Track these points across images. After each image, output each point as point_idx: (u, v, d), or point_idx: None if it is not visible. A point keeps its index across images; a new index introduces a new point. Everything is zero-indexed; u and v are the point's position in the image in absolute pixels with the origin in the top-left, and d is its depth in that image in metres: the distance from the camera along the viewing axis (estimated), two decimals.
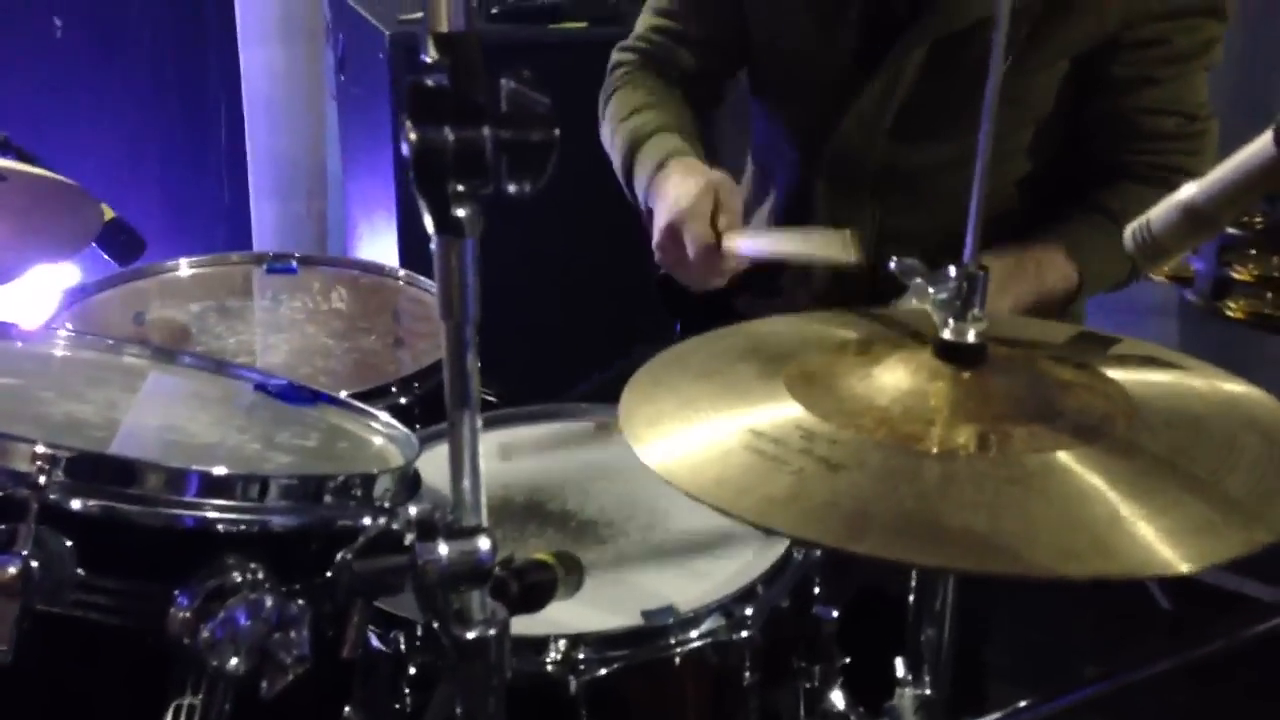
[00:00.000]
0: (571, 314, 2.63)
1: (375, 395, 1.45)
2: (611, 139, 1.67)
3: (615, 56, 1.73)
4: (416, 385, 1.53)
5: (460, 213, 0.69)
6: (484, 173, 0.68)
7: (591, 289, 2.59)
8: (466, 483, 0.74)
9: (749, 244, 1.43)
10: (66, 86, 3.17)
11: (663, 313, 1.84)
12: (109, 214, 1.62)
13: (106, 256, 1.66)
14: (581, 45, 2.38)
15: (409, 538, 0.74)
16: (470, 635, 0.75)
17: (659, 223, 1.47)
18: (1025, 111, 1.50)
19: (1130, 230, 0.93)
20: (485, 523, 0.75)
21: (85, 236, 1.49)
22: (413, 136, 0.67)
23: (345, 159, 3.00)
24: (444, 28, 0.67)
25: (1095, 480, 0.88)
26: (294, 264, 1.86)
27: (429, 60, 0.67)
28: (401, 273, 1.87)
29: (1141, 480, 0.88)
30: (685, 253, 1.43)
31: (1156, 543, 0.82)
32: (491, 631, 0.76)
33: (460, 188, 0.69)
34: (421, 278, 1.83)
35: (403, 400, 1.51)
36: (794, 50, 1.56)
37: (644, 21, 1.73)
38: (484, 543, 0.75)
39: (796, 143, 1.64)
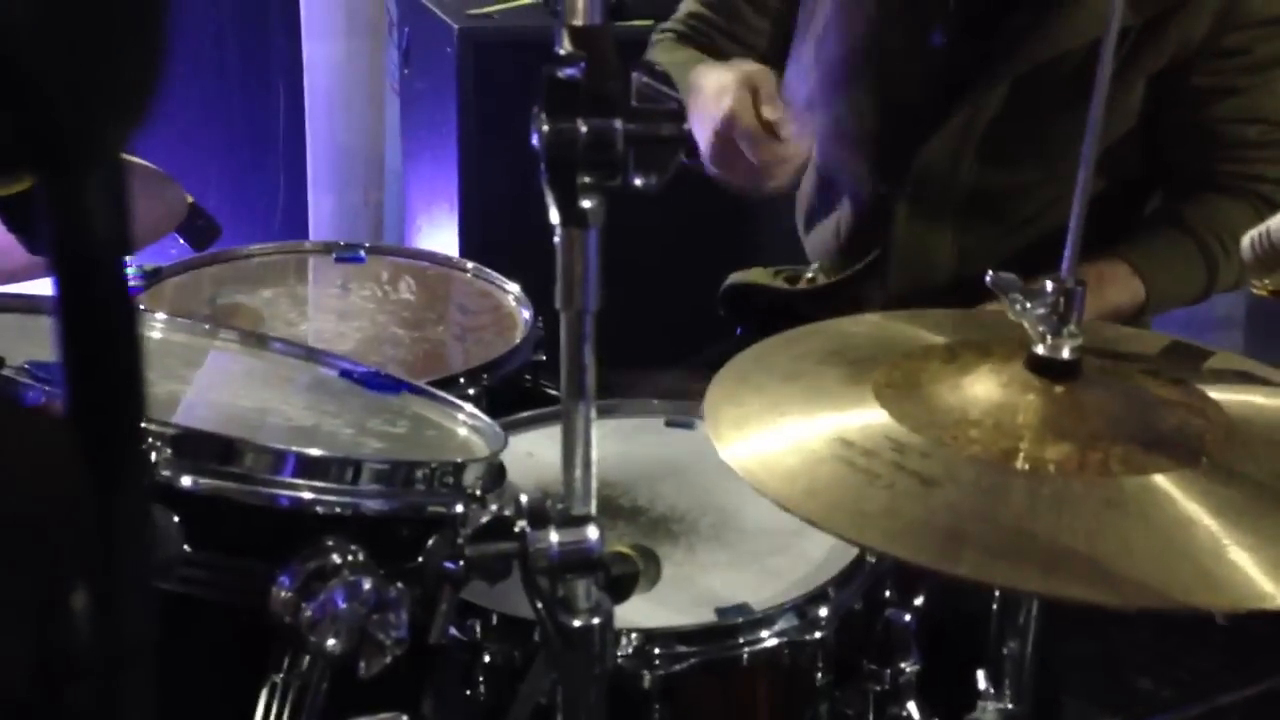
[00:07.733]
0: (632, 316, 2.62)
1: (443, 386, 1.46)
2: None
3: (653, 37, 1.72)
4: (484, 377, 1.54)
5: (586, 204, 0.70)
6: (613, 165, 0.69)
7: (653, 291, 2.59)
8: (578, 472, 0.75)
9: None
10: None
11: (723, 319, 1.84)
12: (188, 199, 1.64)
13: (183, 241, 1.69)
14: (646, 43, 2.38)
15: (520, 524, 0.75)
16: (576, 624, 0.76)
17: (705, 133, 1.34)
18: (1106, 130, 1.49)
19: (1249, 238, 0.92)
20: (594, 512, 0.76)
21: (170, 221, 1.50)
22: (546, 127, 0.68)
23: (405, 153, 3.01)
24: (579, 21, 0.68)
25: (1194, 506, 0.85)
26: (362, 253, 1.88)
27: (563, 53, 0.68)
28: (469, 265, 1.88)
29: (1243, 507, 0.86)
30: (741, 156, 1.32)
31: (1260, 575, 0.79)
32: (596, 620, 0.76)
33: (588, 179, 0.69)
34: (488, 270, 1.84)
35: (470, 391, 1.51)
36: (874, 82, 1.56)
37: (685, 7, 1.71)
38: (593, 532, 0.75)
39: (871, 161, 1.62)
